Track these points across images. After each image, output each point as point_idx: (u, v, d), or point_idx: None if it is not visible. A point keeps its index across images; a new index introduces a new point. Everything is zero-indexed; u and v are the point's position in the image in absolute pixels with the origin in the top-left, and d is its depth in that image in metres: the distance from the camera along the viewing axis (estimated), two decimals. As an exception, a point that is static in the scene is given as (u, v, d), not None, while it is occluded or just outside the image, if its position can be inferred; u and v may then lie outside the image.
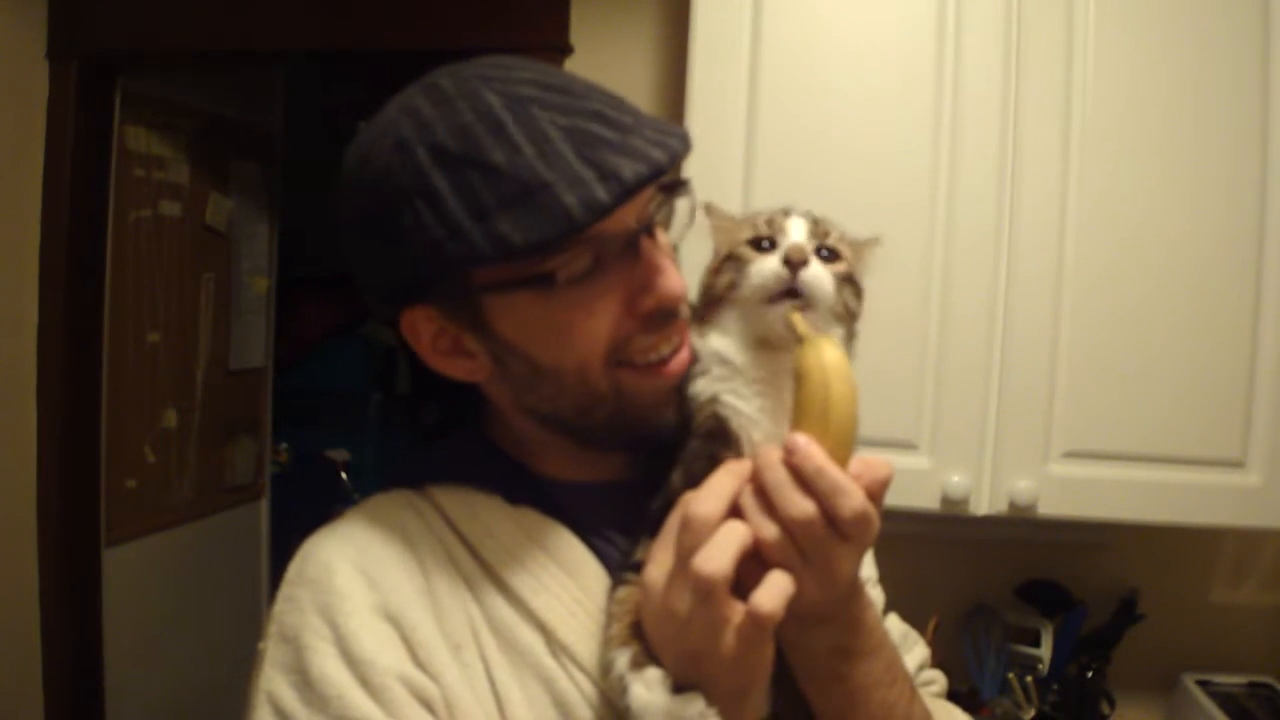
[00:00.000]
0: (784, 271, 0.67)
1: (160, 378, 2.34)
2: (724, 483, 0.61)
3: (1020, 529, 1.61)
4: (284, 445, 3.08)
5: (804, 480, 0.59)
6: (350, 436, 3.34)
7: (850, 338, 0.71)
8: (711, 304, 0.72)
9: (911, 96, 1.40)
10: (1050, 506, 1.39)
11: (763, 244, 0.69)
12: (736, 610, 0.58)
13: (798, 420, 0.61)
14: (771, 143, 1.41)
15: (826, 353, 0.61)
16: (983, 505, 1.40)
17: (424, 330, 0.71)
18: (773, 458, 0.60)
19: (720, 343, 0.70)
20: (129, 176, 2.19)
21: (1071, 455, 1.39)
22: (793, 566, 0.59)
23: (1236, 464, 1.38)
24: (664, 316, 0.68)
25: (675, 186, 0.70)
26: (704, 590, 0.57)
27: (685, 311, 0.71)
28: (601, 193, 0.61)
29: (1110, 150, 1.38)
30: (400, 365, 3.57)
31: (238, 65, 2.50)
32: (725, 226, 0.74)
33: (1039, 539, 1.69)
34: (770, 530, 0.59)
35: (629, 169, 0.62)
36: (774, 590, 0.57)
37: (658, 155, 0.63)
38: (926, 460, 1.39)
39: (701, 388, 0.70)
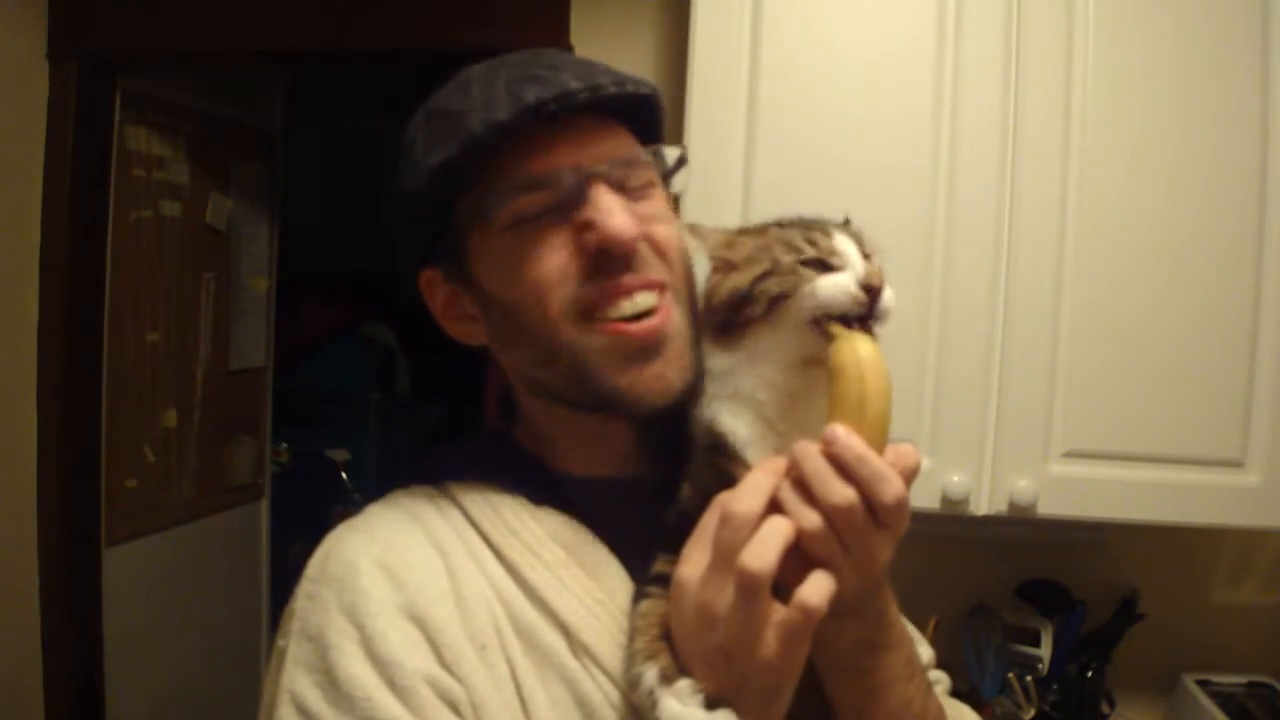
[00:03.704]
0: (862, 295, 0.64)
1: (160, 378, 2.34)
2: (762, 480, 0.61)
3: (1020, 529, 1.61)
4: (284, 445, 3.08)
5: (844, 469, 0.59)
6: (350, 436, 3.35)
7: None
8: (742, 323, 0.68)
9: (912, 96, 1.39)
10: (1050, 506, 1.39)
11: (809, 262, 0.67)
12: (777, 608, 0.58)
13: (834, 413, 0.62)
14: (771, 143, 1.41)
15: (861, 347, 0.62)
16: (983, 505, 1.40)
17: (438, 294, 0.76)
18: (811, 449, 0.60)
19: (729, 364, 0.68)
20: (129, 176, 2.19)
21: (1071, 455, 1.39)
22: (834, 558, 0.59)
23: (1236, 464, 1.38)
24: (612, 261, 0.68)
25: (680, 163, 0.74)
26: (749, 587, 0.58)
27: (657, 272, 0.70)
28: (501, 112, 0.66)
29: (1110, 151, 1.38)
30: (400, 365, 3.57)
31: (238, 65, 2.49)
32: (729, 243, 0.71)
33: (1039, 539, 1.69)
34: (813, 520, 0.59)
35: (532, 93, 0.66)
36: (820, 585, 0.58)
37: (572, 85, 0.67)
38: (926, 460, 1.39)
39: (703, 408, 0.69)
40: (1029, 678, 1.62)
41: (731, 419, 0.67)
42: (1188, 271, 1.38)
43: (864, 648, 0.66)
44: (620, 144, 0.72)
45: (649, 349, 0.69)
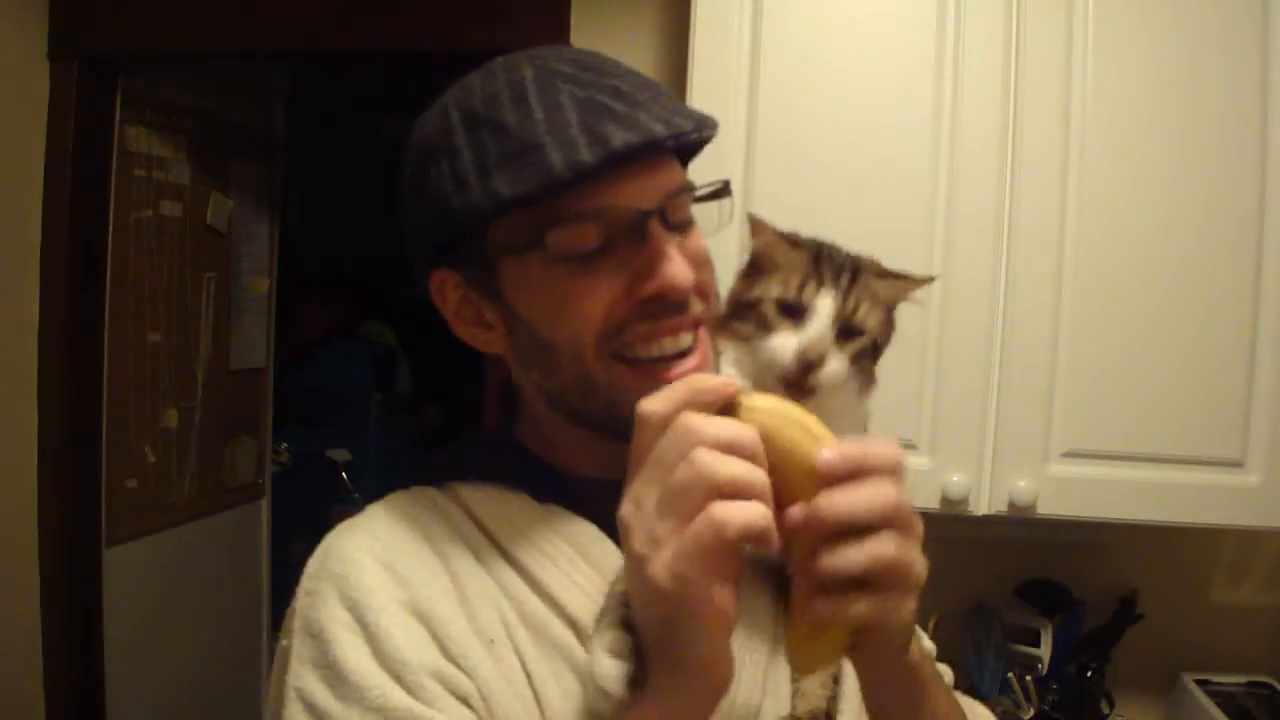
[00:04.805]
0: (792, 366, 0.65)
1: (160, 378, 2.34)
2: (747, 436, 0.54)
3: (1020, 529, 1.61)
4: (284, 445, 3.08)
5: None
6: (350, 436, 3.35)
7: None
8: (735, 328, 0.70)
9: (912, 94, 1.40)
10: (1050, 506, 1.39)
11: (789, 307, 0.67)
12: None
13: (788, 489, 0.55)
14: (771, 144, 1.41)
15: (760, 416, 0.57)
16: (982, 505, 1.40)
17: (451, 297, 0.73)
18: (826, 511, 0.54)
19: (722, 356, 0.70)
20: (129, 176, 2.19)
21: (1071, 455, 1.39)
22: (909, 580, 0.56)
23: (1236, 464, 1.38)
24: (665, 307, 0.67)
25: (720, 192, 0.71)
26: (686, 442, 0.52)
27: (697, 311, 0.69)
28: (586, 154, 0.62)
29: (1109, 151, 1.38)
30: (400, 365, 3.57)
31: (238, 65, 2.49)
32: (772, 248, 0.71)
33: (1039, 539, 1.69)
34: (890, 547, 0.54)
35: (619, 136, 0.63)
36: (748, 511, 0.51)
37: (657, 129, 0.64)
38: (926, 460, 1.39)
39: None
40: (1029, 677, 1.62)
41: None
42: (1187, 272, 1.38)
43: (908, 706, 0.65)
44: (672, 175, 0.69)
45: None
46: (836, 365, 0.66)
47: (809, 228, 0.73)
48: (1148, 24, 1.38)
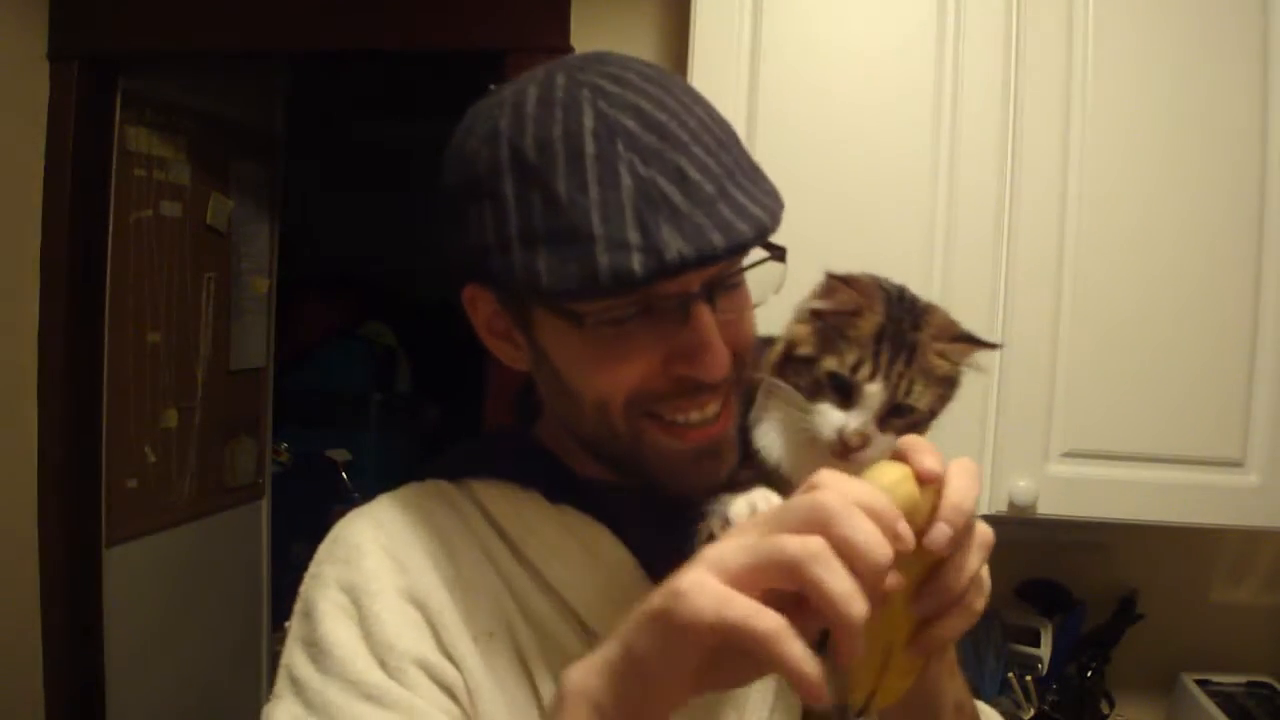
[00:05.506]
0: (836, 443, 0.66)
1: (160, 378, 2.34)
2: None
3: (1019, 529, 1.61)
4: (284, 445, 3.09)
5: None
6: (350, 436, 3.35)
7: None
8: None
9: (912, 94, 1.40)
10: (1050, 506, 1.39)
11: (841, 383, 0.66)
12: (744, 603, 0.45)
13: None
14: (771, 145, 1.41)
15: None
16: (982, 505, 1.40)
17: (482, 309, 0.71)
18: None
19: (775, 389, 0.70)
20: (129, 176, 2.20)
21: (1071, 455, 1.39)
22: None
23: (1236, 464, 1.38)
24: (699, 387, 0.65)
25: (774, 258, 0.67)
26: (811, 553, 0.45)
27: (729, 380, 0.67)
28: (636, 265, 0.58)
29: (1110, 150, 1.38)
30: (400, 365, 3.57)
31: (238, 65, 2.50)
32: (844, 317, 0.69)
33: (1039, 539, 1.69)
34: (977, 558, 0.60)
35: (674, 249, 0.58)
36: (808, 659, 0.44)
37: (715, 240, 0.59)
38: (926, 460, 1.39)
39: (751, 415, 0.70)
40: (1029, 678, 1.62)
41: (763, 436, 0.70)
42: (1187, 271, 1.38)
43: (951, 670, 0.66)
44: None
45: (707, 452, 0.68)
46: (878, 446, 0.66)
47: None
48: (1148, 24, 1.38)
